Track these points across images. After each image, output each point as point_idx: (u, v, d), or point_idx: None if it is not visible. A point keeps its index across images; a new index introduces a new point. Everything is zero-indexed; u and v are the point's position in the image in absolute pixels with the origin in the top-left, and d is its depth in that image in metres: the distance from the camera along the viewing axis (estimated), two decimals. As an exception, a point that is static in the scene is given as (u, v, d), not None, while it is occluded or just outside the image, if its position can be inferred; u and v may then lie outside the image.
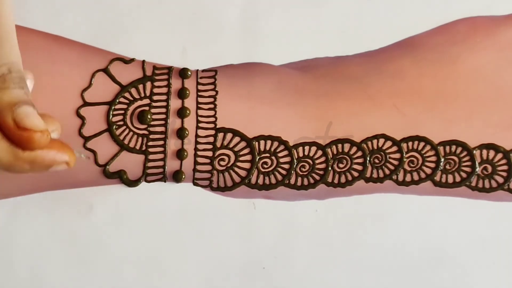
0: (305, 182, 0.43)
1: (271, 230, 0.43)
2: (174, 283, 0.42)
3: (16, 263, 0.41)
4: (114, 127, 0.42)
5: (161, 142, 0.42)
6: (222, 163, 0.42)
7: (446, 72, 0.44)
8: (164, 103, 0.42)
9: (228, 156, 0.42)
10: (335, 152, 0.43)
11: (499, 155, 0.43)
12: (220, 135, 0.42)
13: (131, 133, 0.42)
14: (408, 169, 0.43)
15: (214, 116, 0.42)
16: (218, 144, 0.42)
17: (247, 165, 0.43)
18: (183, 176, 0.42)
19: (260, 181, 0.43)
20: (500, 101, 0.44)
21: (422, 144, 0.43)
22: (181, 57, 0.43)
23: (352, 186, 0.43)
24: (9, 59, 0.33)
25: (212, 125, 0.42)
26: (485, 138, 0.43)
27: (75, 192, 0.42)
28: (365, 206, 0.43)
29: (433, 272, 0.43)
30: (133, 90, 0.42)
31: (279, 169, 0.43)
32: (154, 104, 0.42)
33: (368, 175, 0.43)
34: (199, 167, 0.42)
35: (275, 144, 0.43)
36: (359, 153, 0.43)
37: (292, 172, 0.43)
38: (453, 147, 0.43)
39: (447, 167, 0.43)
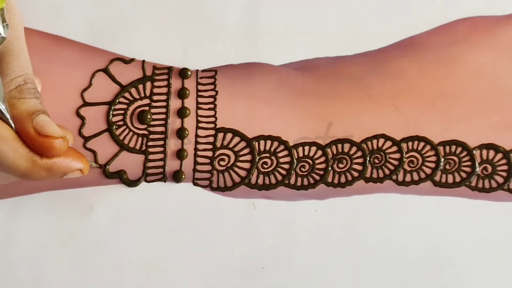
0: (305, 182, 0.43)
1: (271, 230, 0.42)
2: (174, 283, 0.42)
3: (16, 263, 0.41)
4: (114, 127, 0.42)
5: (161, 142, 0.42)
6: (222, 163, 0.42)
7: (446, 72, 0.44)
8: (164, 103, 0.42)
9: (228, 156, 0.42)
10: (335, 152, 0.43)
11: (499, 155, 0.43)
12: (220, 135, 0.42)
13: (131, 133, 0.42)
14: (408, 169, 0.43)
15: (214, 116, 0.42)
16: (218, 144, 0.42)
17: (247, 165, 0.43)
18: (183, 176, 0.42)
19: (260, 181, 0.43)
20: (500, 101, 0.43)
21: (422, 144, 0.43)
22: (181, 57, 0.43)
23: (352, 186, 0.43)
24: (24, 71, 0.34)
25: (212, 125, 0.42)
26: (485, 138, 0.43)
27: (75, 192, 0.42)
28: (365, 206, 0.43)
29: (433, 272, 0.43)
30: (133, 90, 0.42)
31: (279, 169, 0.43)
32: (154, 104, 0.42)
33: (368, 175, 0.43)
34: (199, 167, 0.42)
35: (275, 144, 0.43)
36: (359, 153, 0.43)
37: (292, 172, 0.43)
38: (453, 147, 0.43)
39: (447, 167, 0.43)
